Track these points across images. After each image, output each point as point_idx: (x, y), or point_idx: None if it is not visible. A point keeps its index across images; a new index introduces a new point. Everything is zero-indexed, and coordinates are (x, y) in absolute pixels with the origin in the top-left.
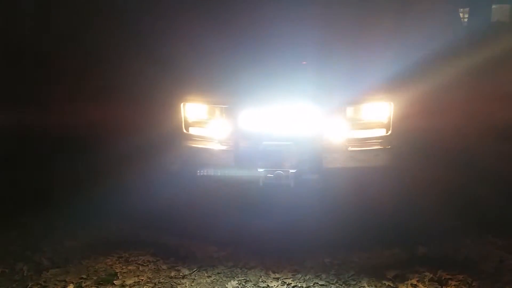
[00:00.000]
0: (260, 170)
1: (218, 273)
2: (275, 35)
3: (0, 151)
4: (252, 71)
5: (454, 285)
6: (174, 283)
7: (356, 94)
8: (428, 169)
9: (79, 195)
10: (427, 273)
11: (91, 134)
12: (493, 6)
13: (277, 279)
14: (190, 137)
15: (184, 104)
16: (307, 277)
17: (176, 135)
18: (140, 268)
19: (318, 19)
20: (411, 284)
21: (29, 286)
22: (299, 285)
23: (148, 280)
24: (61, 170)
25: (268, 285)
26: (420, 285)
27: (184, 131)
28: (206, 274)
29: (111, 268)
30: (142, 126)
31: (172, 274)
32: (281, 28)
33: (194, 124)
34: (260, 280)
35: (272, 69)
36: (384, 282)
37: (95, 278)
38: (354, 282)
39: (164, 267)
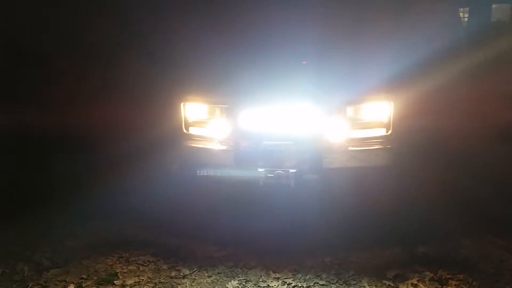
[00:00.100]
0: (260, 170)
1: (219, 273)
2: (275, 35)
3: (0, 151)
4: (252, 71)
5: (455, 285)
6: (174, 283)
7: (356, 94)
8: (428, 168)
9: (79, 195)
10: (427, 273)
11: (91, 134)
12: (493, 6)
13: (278, 278)
14: (190, 137)
15: (184, 104)
16: (308, 276)
17: (176, 135)
18: (141, 268)
19: (318, 19)
20: (412, 284)
21: (30, 286)
22: (300, 285)
23: (149, 280)
24: (61, 170)
25: (268, 285)
26: (421, 285)
27: (184, 131)
28: (206, 274)
29: (112, 268)
30: (142, 126)
31: (173, 274)
32: (281, 28)
33: (194, 124)
34: (260, 280)
35: (272, 69)
36: (384, 281)
37: (95, 278)
38: (355, 282)
39: (164, 267)
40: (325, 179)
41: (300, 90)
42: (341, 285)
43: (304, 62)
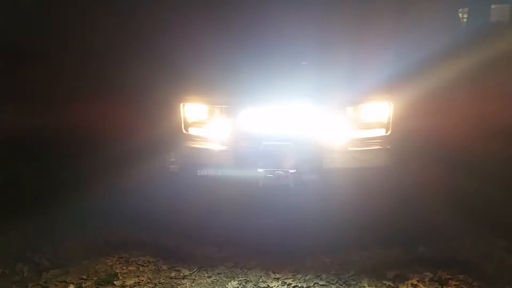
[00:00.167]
0: (260, 170)
1: (218, 273)
2: (275, 35)
3: (0, 151)
4: (252, 71)
5: (455, 285)
6: (174, 284)
7: (356, 94)
8: (428, 169)
9: (79, 195)
10: (427, 273)
11: (91, 135)
12: (492, 6)
13: (278, 279)
14: (189, 138)
15: (183, 105)
16: (308, 277)
17: (175, 136)
18: (140, 269)
19: (318, 19)
20: (412, 284)
21: (29, 286)
22: (300, 285)
23: (148, 280)
24: (61, 170)
25: (268, 285)
26: (421, 285)
27: (184, 131)
28: (206, 275)
29: (111, 268)
30: (141, 126)
31: (173, 274)
32: (281, 28)
33: (193, 124)
34: (260, 280)
35: (272, 69)
36: (384, 282)
37: (95, 278)
38: (355, 282)
39: (164, 267)
40: (324, 180)
41: (299, 91)
42: (341, 285)
43: (304, 63)
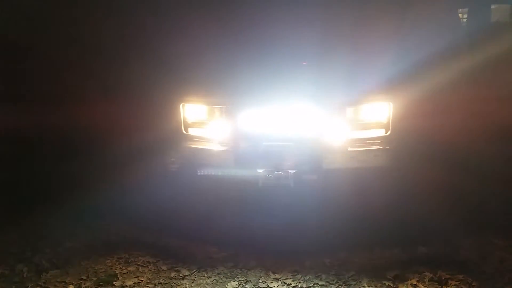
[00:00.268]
0: (260, 170)
1: (218, 273)
2: (275, 35)
3: (0, 151)
4: (252, 71)
5: (454, 285)
6: (174, 284)
7: (356, 95)
8: (428, 169)
9: (79, 196)
10: (427, 273)
11: (91, 135)
12: (492, 6)
13: (277, 279)
14: (189, 138)
15: (183, 105)
16: (307, 277)
17: (175, 136)
18: (140, 269)
19: (318, 20)
20: (411, 284)
21: (29, 287)
22: (299, 286)
23: (148, 281)
24: (61, 170)
25: (268, 286)
26: (420, 285)
27: (184, 132)
28: (206, 275)
29: (111, 269)
30: (141, 127)
31: (172, 275)
32: (281, 29)
33: (193, 124)
34: (260, 281)
35: (272, 70)
36: (384, 282)
37: (95, 279)
38: (354, 282)
39: (164, 268)
40: (324, 180)
41: (299, 91)
42: (341, 285)
43: (304, 63)
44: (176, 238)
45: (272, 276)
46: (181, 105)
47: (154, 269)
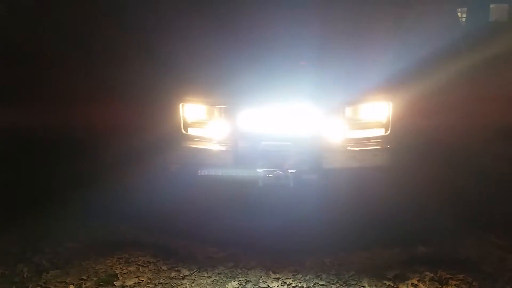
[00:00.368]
0: (260, 170)
1: (218, 273)
2: (274, 35)
3: (0, 151)
4: (251, 71)
5: (455, 285)
6: (174, 284)
7: (355, 94)
8: (427, 168)
9: (79, 196)
10: (427, 273)
11: (90, 135)
12: (491, 6)
13: (278, 279)
14: (189, 138)
15: (182, 105)
16: (308, 277)
17: (175, 136)
18: (140, 269)
19: (317, 20)
20: (412, 284)
21: (29, 287)
22: (300, 285)
23: (148, 281)
24: (61, 170)
25: (268, 286)
26: (421, 285)
27: (183, 131)
28: (206, 275)
29: (111, 269)
30: (140, 126)
31: (172, 274)
32: (280, 28)
33: (193, 124)
34: (260, 281)
35: (271, 69)
36: (384, 282)
37: (95, 279)
38: (355, 282)
39: (164, 267)
40: (324, 180)
41: (299, 91)
42: (341, 285)
43: (303, 63)
44: (176, 238)
45: (273, 276)
46: (180, 105)
47: (155, 269)
